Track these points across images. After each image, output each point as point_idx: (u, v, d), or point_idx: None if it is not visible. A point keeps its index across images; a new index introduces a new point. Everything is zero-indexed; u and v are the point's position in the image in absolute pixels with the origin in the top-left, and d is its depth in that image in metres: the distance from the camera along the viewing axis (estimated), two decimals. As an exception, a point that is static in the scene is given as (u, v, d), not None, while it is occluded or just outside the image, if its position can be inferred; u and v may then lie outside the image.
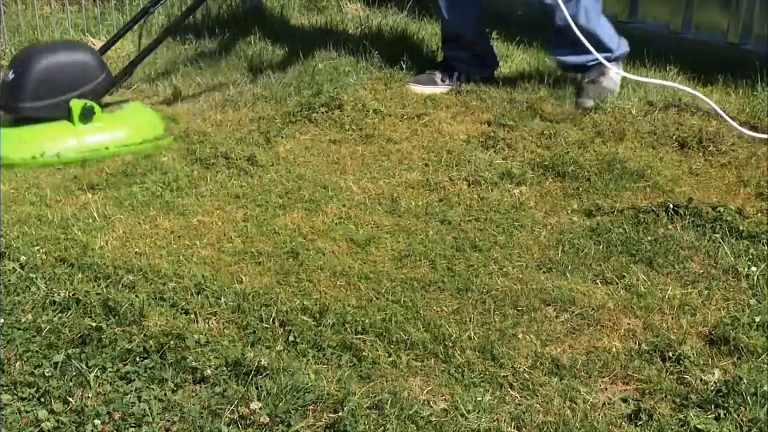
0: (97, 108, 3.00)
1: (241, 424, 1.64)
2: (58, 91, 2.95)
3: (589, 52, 3.26)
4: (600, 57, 3.25)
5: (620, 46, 3.44)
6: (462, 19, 3.57)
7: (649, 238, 2.33)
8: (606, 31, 3.39)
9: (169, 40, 3.92)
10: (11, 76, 2.94)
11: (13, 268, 2.17)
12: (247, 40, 4.11)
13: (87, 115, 2.97)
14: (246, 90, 3.53)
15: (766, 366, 1.79)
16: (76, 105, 2.96)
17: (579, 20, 3.25)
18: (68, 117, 2.96)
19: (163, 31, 3.45)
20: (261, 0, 4.73)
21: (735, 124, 3.01)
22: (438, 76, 3.56)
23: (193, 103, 3.45)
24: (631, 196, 2.59)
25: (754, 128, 3.00)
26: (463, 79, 3.58)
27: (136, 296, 2.05)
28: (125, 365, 1.81)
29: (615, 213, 2.48)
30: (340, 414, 1.66)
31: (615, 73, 3.38)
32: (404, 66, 3.67)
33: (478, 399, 1.72)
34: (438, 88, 3.53)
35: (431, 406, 1.71)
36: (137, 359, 1.83)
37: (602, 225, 2.41)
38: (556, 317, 2.01)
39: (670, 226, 2.39)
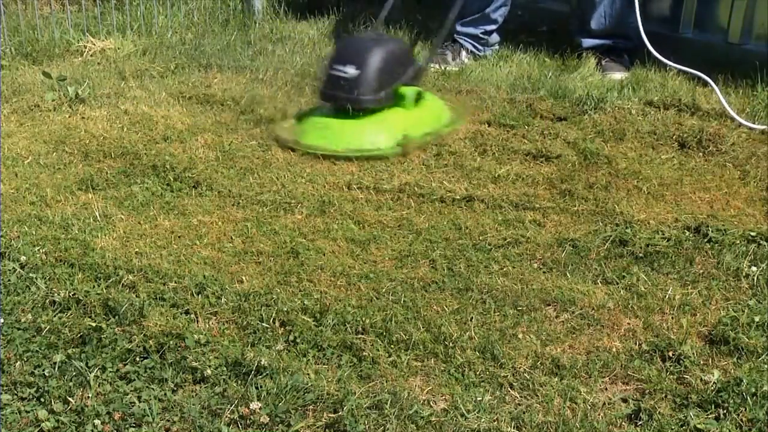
0: (423, 93, 3.14)
1: (241, 424, 1.64)
2: (391, 80, 3.05)
3: (611, 37, 3.69)
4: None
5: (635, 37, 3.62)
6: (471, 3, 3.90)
7: (649, 238, 2.33)
8: (629, 22, 3.64)
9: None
10: (352, 71, 2.98)
11: (13, 268, 2.17)
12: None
13: (418, 101, 3.11)
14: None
15: (766, 366, 1.79)
16: (410, 92, 3.08)
17: (614, 12, 3.65)
18: (399, 104, 3.07)
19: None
20: None
21: (734, 113, 3.04)
22: (449, 54, 3.90)
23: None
24: (631, 196, 2.59)
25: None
26: (470, 56, 3.94)
27: (136, 296, 2.05)
28: (125, 365, 1.81)
29: (616, 214, 2.48)
30: (340, 414, 1.66)
31: (627, 58, 3.73)
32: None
33: (478, 399, 1.72)
34: (449, 66, 3.86)
35: (431, 406, 1.71)
36: (137, 359, 1.83)
37: (602, 225, 2.41)
38: (557, 317, 2.01)
39: (670, 227, 2.39)
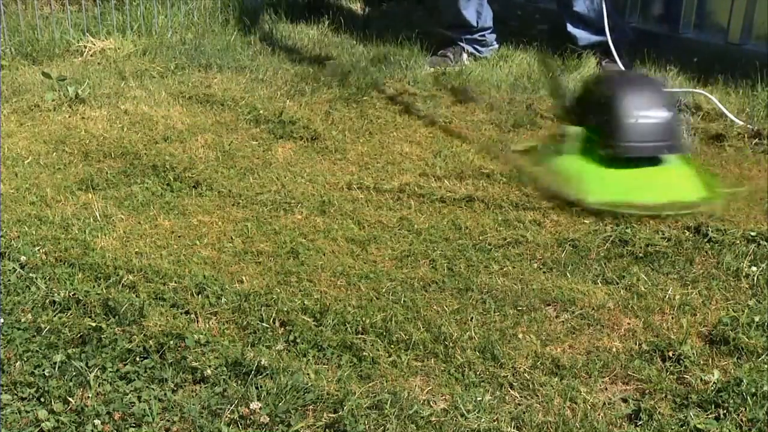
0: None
1: (241, 424, 1.64)
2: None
3: (605, 33, 3.56)
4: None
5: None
6: (470, 7, 3.90)
7: (649, 238, 2.32)
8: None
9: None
10: (668, 115, 2.66)
11: (13, 268, 2.17)
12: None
13: None
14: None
15: (766, 366, 1.79)
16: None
17: (594, 3, 3.58)
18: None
19: None
20: None
21: (733, 116, 3.04)
22: (450, 56, 3.89)
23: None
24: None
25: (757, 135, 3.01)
26: (470, 57, 3.91)
27: (136, 296, 2.05)
28: (125, 365, 1.80)
29: (616, 213, 2.47)
30: (340, 414, 1.66)
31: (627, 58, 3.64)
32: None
33: (478, 399, 1.72)
34: (450, 66, 3.83)
35: (431, 406, 1.71)
36: (137, 359, 1.83)
37: (602, 225, 2.41)
38: (557, 317, 2.01)
39: (671, 228, 2.39)
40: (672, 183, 2.61)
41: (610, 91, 2.71)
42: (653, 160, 2.62)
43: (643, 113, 2.62)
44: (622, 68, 3.53)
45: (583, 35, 3.80)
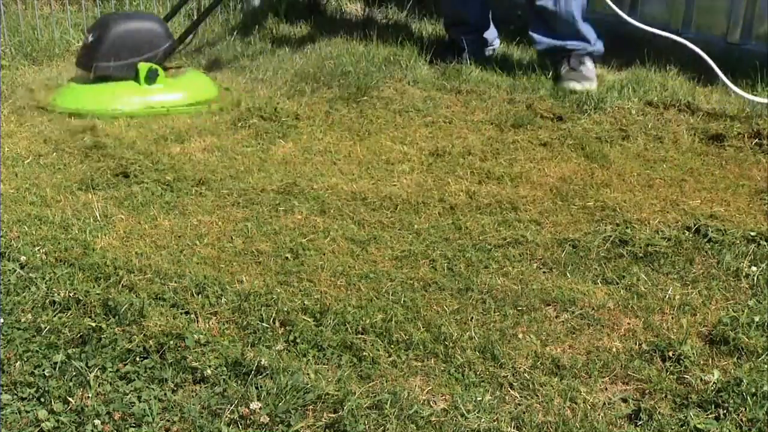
0: (160, 71, 3.43)
1: (241, 424, 1.64)
2: (128, 54, 3.39)
3: (566, 38, 3.44)
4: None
5: (597, 42, 3.47)
6: (469, 6, 3.88)
7: (649, 238, 2.33)
8: (585, 24, 3.44)
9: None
10: (90, 39, 3.41)
11: (13, 268, 2.17)
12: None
13: (152, 77, 3.40)
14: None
15: (766, 366, 1.79)
16: (143, 67, 3.39)
17: (559, 3, 3.33)
18: (135, 78, 3.40)
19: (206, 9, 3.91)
20: None
21: (731, 85, 3.06)
22: (448, 57, 3.85)
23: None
24: (631, 196, 2.59)
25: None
26: (470, 56, 3.84)
27: (136, 296, 2.05)
28: (125, 365, 1.80)
29: (616, 214, 2.48)
30: (340, 414, 1.66)
31: (592, 66, 3.48)
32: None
33: (478, 399, 1.72)
34: (451, 65, 3.78)
35: (431, 406, 1.71)
36: (137, 359, 1.83)
37: (602, 225, 2.41)
38: (557, 317, 2.01)
39: (671, 228, 2.39)
40: (104, 95, 3.37)
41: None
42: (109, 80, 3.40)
43: (86, 36, 3.49)
44: (587, 84, 3.45)
45: (542, 42, 3.62)
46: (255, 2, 4.69)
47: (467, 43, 3.89)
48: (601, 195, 2.60)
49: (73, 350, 1.85)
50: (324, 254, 2.28)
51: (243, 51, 4.14)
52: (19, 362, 1.80)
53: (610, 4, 3.46)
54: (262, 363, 1.78)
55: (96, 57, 3.37)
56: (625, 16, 3.43)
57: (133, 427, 1.64)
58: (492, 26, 4.05)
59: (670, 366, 1.82)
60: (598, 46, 3.50)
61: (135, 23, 3.47)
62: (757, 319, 1.94)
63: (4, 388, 1.73)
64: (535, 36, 3.61)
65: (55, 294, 2.06)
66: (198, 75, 3.65)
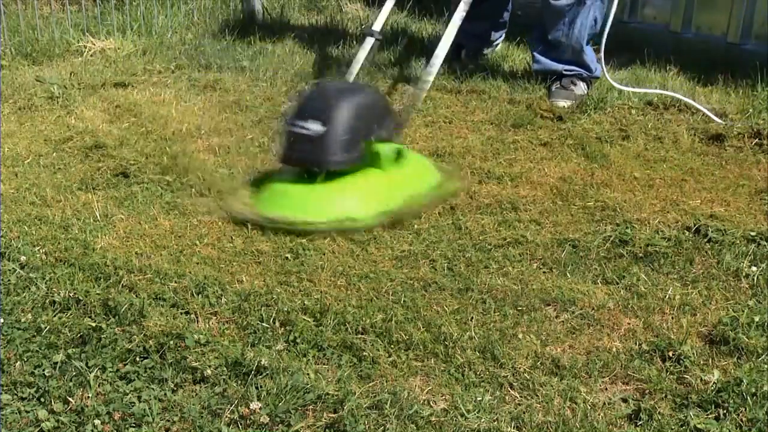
0: (404, 150, 2.61)
1: (241, 424, 1.64)
2: (362, 137, 2.52)
3: (568, 63, 3.40)
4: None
5: (596, 70, 3.46)
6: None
7: (649, 238, 2.33)
8: (589, 52, 3.43)
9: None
10: (318, 127, 2.45)
11: (13, 268, 2.17)
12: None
13: (398, 159, 2.59)
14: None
15: (766, 366, 1.79)
16: (387, 148, 2.57)
17: (574, 31, 3.31)
18: (372, 163, 2.55)
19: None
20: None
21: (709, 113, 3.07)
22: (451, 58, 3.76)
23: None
24: (631, 196, 2.59)
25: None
26: (471, 55, 3.83)
27: (136, 296, 2.05)
28: (125, 365, 1.80)
29: (616, 214, 2.48)
30: (340, 414, 1.66)
31: (584, 87, 3.44)
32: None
33: (478, 399, 1.72)
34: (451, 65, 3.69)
35: (431, 406, 1.71)
36: (137, 359, 1.83)
37: (602, 225, 2.41)
38: (557, 317, 2.01)
39: (671, 227, 2.39)
40: (337, 199, 2.47)
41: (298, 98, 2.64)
42: (341, 174, 2.49)
43: (299, 124, 2.48)
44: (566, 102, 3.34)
45: (546, 63, 3.48)
46: (255, 2, 4.69)
47: (470, 39, 3.87)
48: (601, 195, 2.60)
49: (73, 350, 1.85)
50: (324, 254, 2.28)
51: (243, 51, 4.14)
52: (19, 362, 1.80)
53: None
54: (262, 363, 1.78)
55: (333, 149, 2.45)
56: None
57: (133, 427, 1.64)
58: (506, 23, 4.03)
59: (670, 366, 1.81)
60: (596, 74, 3.47)
61: (362, 97, 2.56)
62: (757, 319, 1.94)
63: (4, 388, 1.73)
64: (541, 58, 3.52)
65: (55, 294, 2.06)
66: (413, 153, 2.78)
